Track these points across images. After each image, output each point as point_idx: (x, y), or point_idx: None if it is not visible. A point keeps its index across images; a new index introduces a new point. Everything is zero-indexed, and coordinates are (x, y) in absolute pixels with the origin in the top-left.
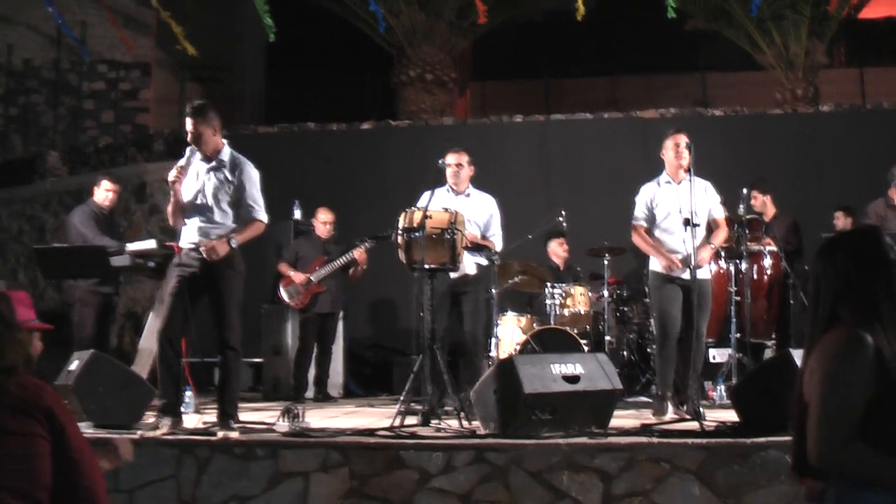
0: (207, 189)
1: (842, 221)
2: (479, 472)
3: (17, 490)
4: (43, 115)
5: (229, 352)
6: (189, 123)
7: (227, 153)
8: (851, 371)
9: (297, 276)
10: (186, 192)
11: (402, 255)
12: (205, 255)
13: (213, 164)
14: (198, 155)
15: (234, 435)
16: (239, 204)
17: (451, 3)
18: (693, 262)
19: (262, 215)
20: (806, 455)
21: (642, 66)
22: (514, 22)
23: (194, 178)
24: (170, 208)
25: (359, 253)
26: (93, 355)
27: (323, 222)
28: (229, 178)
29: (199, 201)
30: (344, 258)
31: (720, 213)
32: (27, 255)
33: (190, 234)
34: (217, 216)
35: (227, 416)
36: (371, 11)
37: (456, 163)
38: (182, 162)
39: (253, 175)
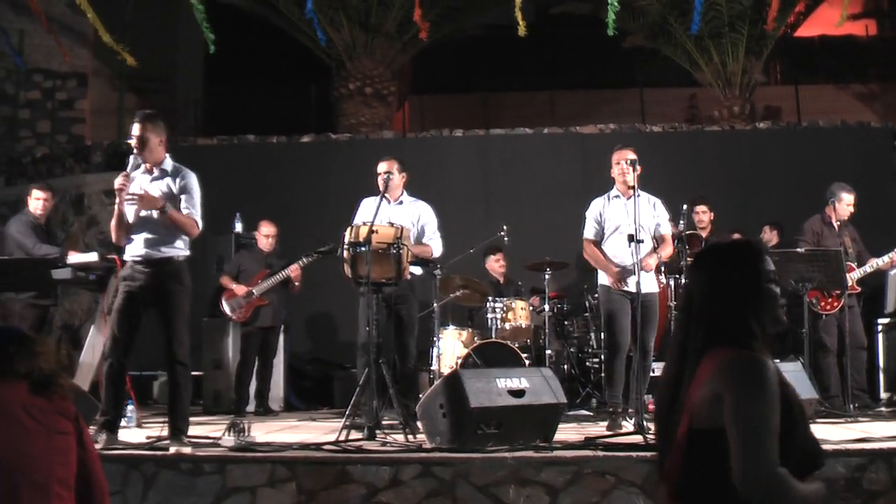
0: None
1: (768, 235)
2: (426, 486)
3: (63, 481)
4: None
5: (179, 366)
6: (137, 128)
7: (169, 164)
8: (771, 396)
9: (239, 289)
10: (130, 205)
11: (347, 270)
12: (137, 200)
13: (156, 174)
14: (141, 168)
15: (187, 450)
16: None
17: (392, 17)
18: (637, 270)
19: (198, 220)
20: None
21: (581, 82)
22: (454, 36)
23: (137, 190)
24: (113, 221)
25: (294, 269)
26: None
27: (265, 235)
28: (173, 187)
29: (143, 213)
30: (284, 273)
31: (667, 230)
32: None
33: (136, 247)
34: (162, 228)
35: (178, 431)
36: (311, 23)
37: (386, 171)
38: (128, 169)
39: (194, 185)
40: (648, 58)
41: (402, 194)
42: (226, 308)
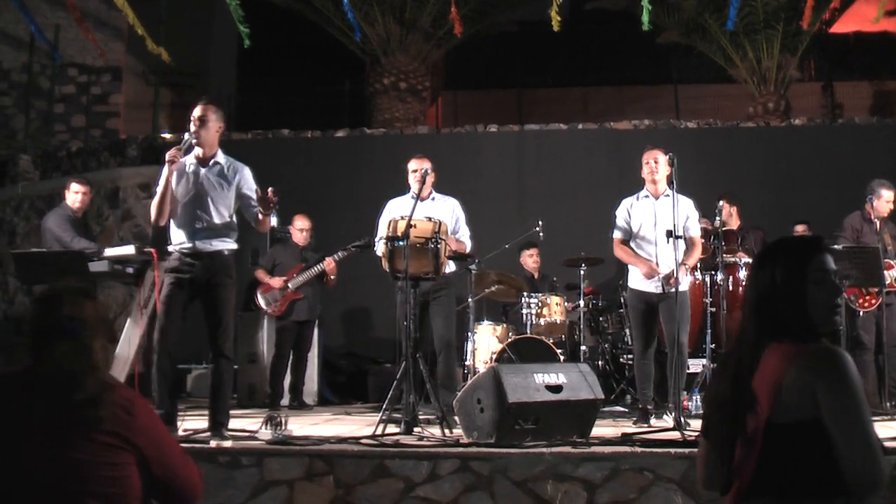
0: (203, 191)
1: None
2: (464, 480)
3: (106, 497)
4: (13, 119)
5: (223, 360)
6: (199, 109)
7: (222, 156)
8: (860, 385)
9: (275, 282)
10: (179, 192)
11: (385, 265)
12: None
13: (209, 165)
14: (192, 154)
15: (227, 443)
16: (236, 208)
17: (427, 12)
18: (675, 277)
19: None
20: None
21: (615, 77)
22: (488, 32)
23: (188, 180)
24: (156, 199)
25: (329, 263)
26: None
27: (300, 229)
28: (228, 179)
29: (194, 204)
30: (319, 267)
31: (696, 231)
32: None
33: (185, 238)
34: (216, 220)
35: (219, 425)
36: (346, 19)
37: (420, 168)
38: (182, 146)
39: (250, 177)
40: (683, 54)
41: (431, 192)
42: (261, 302)
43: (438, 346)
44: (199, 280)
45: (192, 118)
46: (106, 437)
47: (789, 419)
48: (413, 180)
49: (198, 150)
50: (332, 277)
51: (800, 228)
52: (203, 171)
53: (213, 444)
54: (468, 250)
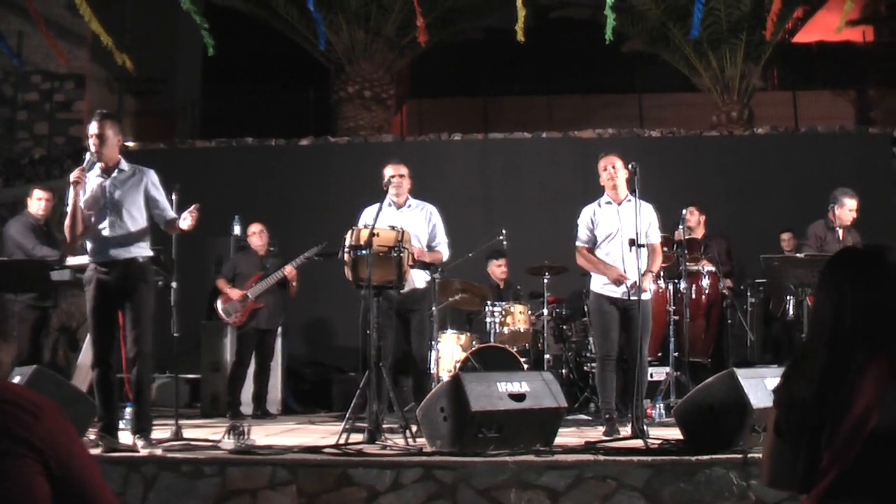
0: (113, 199)
1: (787, 243)
2: (427, 489)
3: None
4: None
5: (146, 356)
6: (95, 126)
7: (125, 164)
8: None
9: (234, 293)
10: (89, 205)
11: (348, 273)
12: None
13: (115, 174)
14: (96, 168)
15: (158, 451)
16: (149, 209)
17: (391, 20)
18: (637, 286)
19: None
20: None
21: (580, 86)
22: (453, 40)
23: (95, 192)
24: (68, 220)
25: (289, 269)
26: (35, 371)
27: (253, 233)
28: (135, 184)
29: (105, 214)
30: (278, 274)
31: (656, 238)
32: None
33: (99, 248)
34: (129, 226)
35: (143, 430)
36: (310, 27)
37: (398, 174)
38: (84, 166)
39: (156, 179)
40: (647, 63)
41: (407, 198)
42: (221, 313)
43: (408, 359)
44: (117, 288)
45: (90, 135)
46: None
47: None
48: (391, 185)
49: (100, 165)
50: (293, 285)
51: (785, 236)
52: (109, 180)
53: (143, 452)
54: (445, 258)
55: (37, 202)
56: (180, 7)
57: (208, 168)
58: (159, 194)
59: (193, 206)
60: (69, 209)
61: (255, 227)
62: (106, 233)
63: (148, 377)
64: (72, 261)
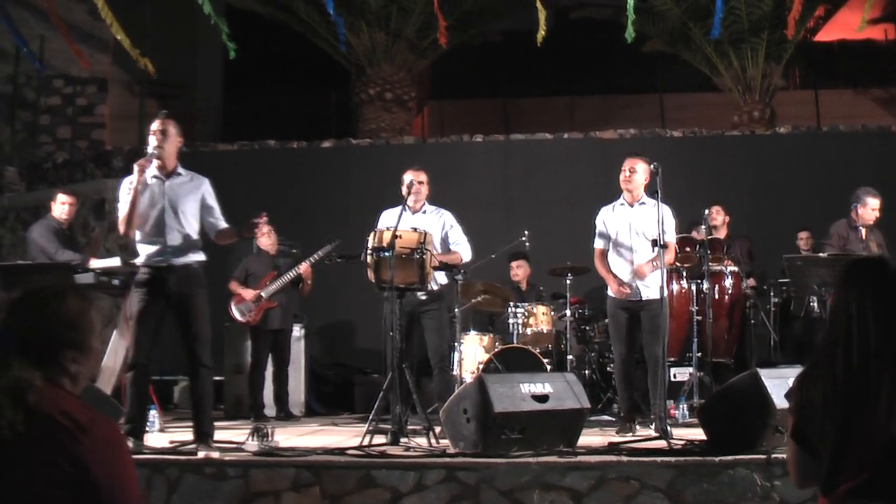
0: (170, 204)
1: (805, 242)
2: (451, 490)
3: None
4: None
5: (203, 370)
6: (158, 122)
7: (182, 169)
8: None
9: (247, 293)
10: (144, 206)
11: (370, 275)
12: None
13: (172, 177)
14: (153, 170)
15: (215, 454)
16: (204, 216)
17: (412, 22)
18: (655, 281)
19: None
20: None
21: (601, 87)
22: (473, 42)
23: (153, 192)
24: (126, 211)
25: (304, 267)
26: None
27: (261, 234)
28: (192, 191)
29: (160, 218)
30: (292, 273)
31: (672, 238)
32: None
33: (153, 252)
34: (184, 232)
35: (205, 435)
36: (331, 29)
37: (417, 180)
38: (149, 157)
39: (211, 189)
40: (668, 63)
41: (424, 204)
42: (235, 313)
43: (434, 361)
44: (171, 293)
45: (152, 131)
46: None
47: None
48: (410, 191)
49: (158, 164)
50: (308, 283)
51: (802, 235)
52: (167, 183)
53: (200, 454)
54: (466, 259)
55: (60, 206)
56: (201, 11)
57: (230, 171)
58: (214, 203)
59: (261, 215)
60: (129, 198)
61: (263, 228)
62: (161, 236)
63: (208, 389)
64: (95, 264)
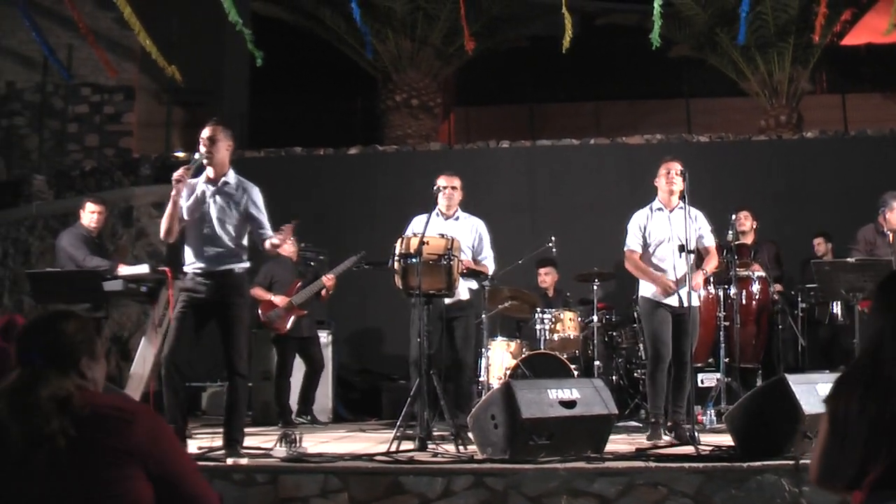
0: (213, 212)
1: (822, 247)
2: (479, 496)
3: None
4: (27, 138)
5: (238, 378)
6: (208, 130)
7: (232, 176)
8: None
9: (279, 300)
10: (190, 212)
11: (398, 281)
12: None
13: (219, 185)
14: (203, 175)
15: (243, 461)
16: (247, 228)
17: (438, 29)
18: (687, 287)
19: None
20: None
21: (627, 92)
22: (499, 48)
23: (198, 199)
24: (167, 216)
25: (329, 279)
26: None
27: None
28: (236, 200)
29: (204, 226)
30: (319, 283)
31: (711, 242)
32: (12, 278)
33: (196, 259)
34: (225, 240)
35: (234, 442)
36: (357, 36)
37: (450, 185)
38: (191, 165)
39: (259, 198)
40: (695, 68)
41: (457, 210)
42: (265, 320)
43: (453, 366)
44: (212, 300)
45: (201, 139)
46: (104, 454)
47: None
48: (442, 196)
49: (209, 171)
50: (329, 292)
51: (817, 241)
52: (212, 190)
53: (229, 461)
54: (491, 273)
55: (89, 214)
56: (227, 18)
57: (257, 178)
58: (259, 213)
59: (291, 224)
60: (168, 207)
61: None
62: (205, 243)
63: (241, 397)
64: (123, 271)
